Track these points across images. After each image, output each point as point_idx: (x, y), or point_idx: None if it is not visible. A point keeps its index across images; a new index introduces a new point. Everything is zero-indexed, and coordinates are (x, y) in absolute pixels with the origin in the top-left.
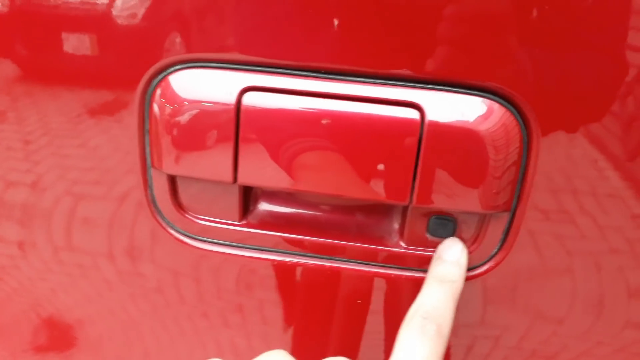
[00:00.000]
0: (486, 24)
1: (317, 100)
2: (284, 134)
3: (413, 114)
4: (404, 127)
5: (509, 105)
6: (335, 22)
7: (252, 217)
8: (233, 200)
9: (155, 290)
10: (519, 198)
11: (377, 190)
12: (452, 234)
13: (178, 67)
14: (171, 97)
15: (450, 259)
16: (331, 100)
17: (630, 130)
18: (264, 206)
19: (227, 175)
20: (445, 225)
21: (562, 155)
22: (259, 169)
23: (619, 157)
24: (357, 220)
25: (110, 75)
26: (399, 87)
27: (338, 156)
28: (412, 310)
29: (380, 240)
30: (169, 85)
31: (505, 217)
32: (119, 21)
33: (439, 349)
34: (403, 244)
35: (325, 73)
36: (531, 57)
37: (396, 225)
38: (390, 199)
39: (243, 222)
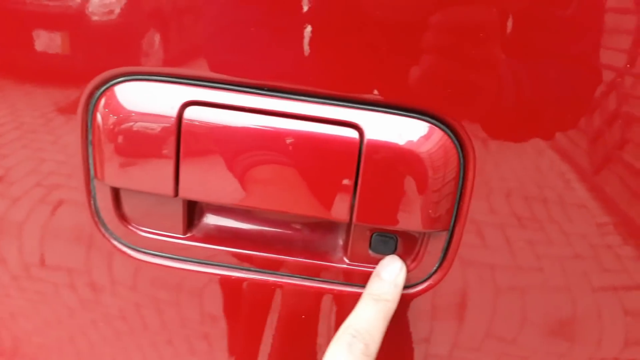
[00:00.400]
0: (423, 51)
1: (258, 117)
2: (225, 149)
3: (352, 134)
4: (343, 146)
5: (445, 128)
6: (278, 41)
7: (197, 230)
8: (177, 213)
9: (95, 302)
10: (456, 217)
11: (318, 207)
12: (394, 251)
13: (123, 78)
14: (114, 108)
15: (388, 278)
16: (272, 117)
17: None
18: (209, 219)
19: (169, 189)
20: (386, 242)
21: (498, 175)
22: (200, 184)
23: (558, 174)
24: (302, 235)
25: (56, 80)
26: (339, 107)
27: (279, 173)
28: (343, 326)
29: (324, 256)
30: (113, 96)
31: (444, 236)
32: (69, 27)
33: None
34: (346, 260)
35: (267, 90)
36: (467, 82)
37: (340, 242)
38: (331, 216)
39: (188, 235)
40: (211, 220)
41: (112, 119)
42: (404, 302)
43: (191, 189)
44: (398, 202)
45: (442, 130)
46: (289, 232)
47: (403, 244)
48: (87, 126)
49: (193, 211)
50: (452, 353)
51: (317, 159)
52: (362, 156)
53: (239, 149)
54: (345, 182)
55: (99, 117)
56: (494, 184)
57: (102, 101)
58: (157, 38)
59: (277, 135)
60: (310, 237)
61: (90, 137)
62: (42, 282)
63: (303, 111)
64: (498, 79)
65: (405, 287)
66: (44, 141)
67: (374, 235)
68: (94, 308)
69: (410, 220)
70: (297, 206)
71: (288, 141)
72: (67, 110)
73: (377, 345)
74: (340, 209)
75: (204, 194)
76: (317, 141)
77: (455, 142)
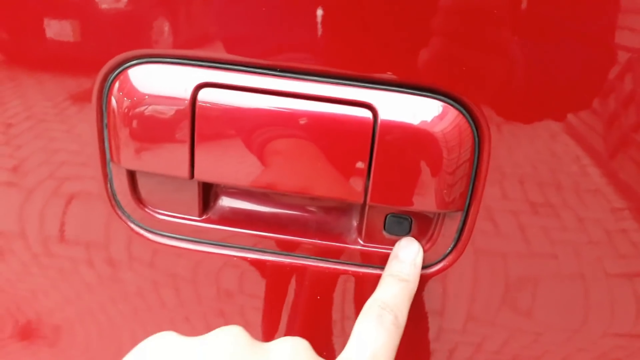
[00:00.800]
0: (437, 30)
1: (272, 98)
2: (239, 131)
3: (366, 114)
4: (357, 126)
5: (460, 107)
6: (291, 21)
7: (213, 212)
8: (193, 195)
9: (114, 280)
10: (471, 198)
11: (332, 188)
12: (408, 232)
13: (136, 61)
14: (129, 91)
15: (407, 259)
16: (286, 98)
17: (582, 130)
18: (224, 202)
19: (184, 171)
20: (401, 223)
21: (514, 156)
22: (216, 166)
23: (571, 157)
24: (317, 217)
25: (70, 66)
26: (353, 86)
27: (293, 154)
28: (369, 302)
29: (338, 238)
30: (127, 79)
31: (459, 216)
32: (81, 12)
33: (395, 338)
34: (361, 241)
35: (280, 71)
36: (480, 62)
37: (355, 223)
38: (345, 197)
39: (203, 217)
40: (226, 202)
41: (127, 102)
42: (420, 284)
43: (206, 171)
44: (412, 183)
45: (457, 109)
46: (304, 214)
47: (417, 225)
48: (102, 110)
49: (208, 194)
50: (465, 327)
51: (330, 140)
52: (376, 136)
53: (253, 131)
54: (359, 163)
55: (113, 100)
56: (508, 166)
57: (117, 85)
58: (168, 21)
59: (290, 116)
60: (324, 218)
61: (105, 121)
62: (62, 260)
63: (316, 92)
64: (512, 59)
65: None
66: (57, 130)
67: (388, 216)
68: (112, 286)
69: (424, 201)
70: (311, 188)
71: (301, 122)
72: (82, 95)
73: (405, 319)
74: (354, 190)
75: (219, 176)
76: (330, 122)
77: (470, 121)
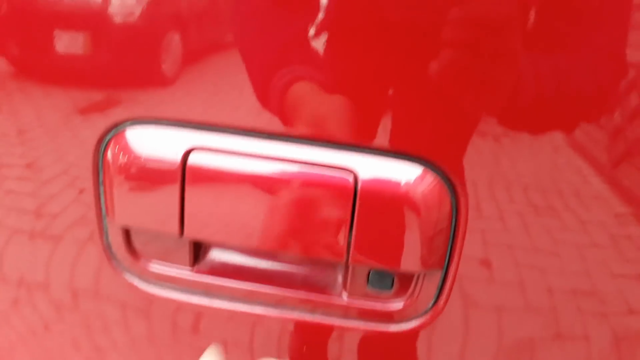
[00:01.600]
0: (415, 102)
1: (258, 161)
2: (228, 193)
3: (348, 177)
4: (339, 189)
5: (437, 172)
6: (278, 91)
7: (203, 264)
8: (184, 247)
9: (106, 331)
10: (450, 256)
11: (317, 248)
12: (390, 287)
13: (131, 123)
14: (124, 151)
15: None
16: (272, 162)
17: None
18: (214, 254)
19: (174, 229)
20: (383, 279)
21: (490, 216)
22: (204, 225)
23: (546, 213)
24: (303, 271)
25: (69, 124)
26: (335, 151)
27: (278, 215)
28: None
29: (324, 291)
30: (122, 139)
31: (439, 273)
32: (80, 80)
33: None
34: (345, 296)
35: (268, 136)
36: (457, 131)
37: (340, 278)
38: (328, 256)
39: (194, 268)
40: (216, 255)
41: (121, 161)
42: (402, 338)
43: (195, 230)
44: (392, 244)
45: (434, 173)
46: (291, 268)
47: (399, 281)
48: (98, 167)
49: (199, 246)
50: None
51: (314, 202)
52: (357, 199)
53: (241, 193)
54: (341, 223)
55: (109, 159)
56: (486, 224)
57: (112, 144)
58: (161, 89)
59: (276, 180)
60: (311, 273)
61: (101, 178)
62: (53, 308)
63: (301, 156)
64: (484, 132)
65: (403, 323)
66: (60, 181)
67: (371, 272)
68: (102, 334)
69: (403, 260)
70: (296, 247)
71: (286, 185)
72: (82, 151)
73: None
74: (337, 250)
75: (207, 235)
76: (314, 184)
77: (447, 184)
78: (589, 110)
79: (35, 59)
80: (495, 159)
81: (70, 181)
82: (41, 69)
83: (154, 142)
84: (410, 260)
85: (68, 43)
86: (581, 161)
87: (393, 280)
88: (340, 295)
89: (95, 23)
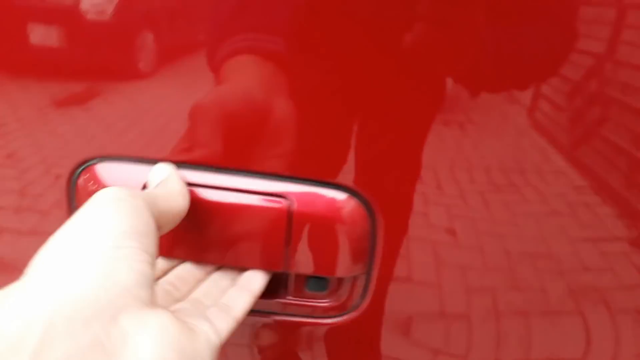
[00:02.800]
0: (343, 141)
1: (210, 191)
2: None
3: (283, 202)
4: (276, 212)
5: (358, 197)
6: (225, 134)
7: None
8: None
9: None
10: (372, 262)
11: (261, 261)
12: (326, 288)
13: (98, 160)
14: (93, 182)
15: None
16: (222, 191)
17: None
18: None
19: None
20: (319, 282)
21: (401, 234)
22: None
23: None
24: None
25: (43, 161)
26: (272, 181)
27: (225, 234)
28: None
29: (272, 295)
30: (92, 171)
31: (364, 276)
32: (50, 122)
33: None
34: (290, 297)
35: (217, 169)
36: (374, 163)
37: (285, 282)
38: (270, 268)
39: None
40: None
41: (90, 190)
42: (337, 329)
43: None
44: (323, 255)
45: (356, 199)
46: None
47: (333, 283)
48: (70, 197)
49: None
50: None
51: (256, 223)
52: (291, 220)
53: (196, 218)
54: (280, 241)
55: (80, 190)
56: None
57: (84, 176)
58: (124, 131)
59: (224, 205)
60: None
61: (73, 204)
62: None
63: (245, 185)
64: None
65: (338, 317)
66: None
67: (308, 277)
68: None
69: (333, 269)
70: (245, 261)
71: (232, 210)
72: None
73: None
74: (277, 263)
75: (165, 252)
76: (256, 209)
77: (366, 208)
78: (550, 95)
79: None
80: (458, 146)
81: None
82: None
83: (121, 175)
84: (339, 268)
85: None
86: (544, 142)
87: (327, 283)
88: (285, 296)
89: None
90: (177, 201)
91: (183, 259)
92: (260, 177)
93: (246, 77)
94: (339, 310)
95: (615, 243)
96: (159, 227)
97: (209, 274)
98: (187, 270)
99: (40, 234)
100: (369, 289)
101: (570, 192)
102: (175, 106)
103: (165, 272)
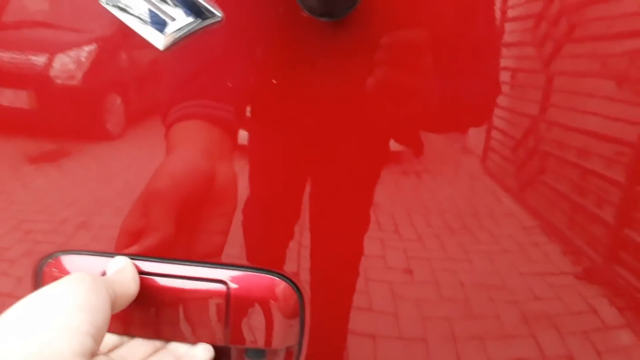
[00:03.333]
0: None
1: (156, 278)
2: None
3: (221, 287)
4: (216, 295)
5: (287, 280)
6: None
7: None
8: None
9: None
10: (302, 334)
11: (206, 336)
12: (264, 357)
13: (60, 253)
14: (58, 271)
15: None
16: (168, 278)
17: None
18: None
19: None
20: (257, 352)
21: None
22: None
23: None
24: None
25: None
26: (213, 268)
27: (173, 316)
28: None
29: None
30: (58, 263)
31: (296, 346)
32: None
33: None
34: None
35: (162, 260)
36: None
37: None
38: (213, 342)
39: None
40: None
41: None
42: None
43: None
44: (258, 330)
45: (285, 281)
46: None
47: (269, 352)
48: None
49: None
50: None
51: (199, 305)
52: (229, 301)
53: (148, 300)
54: (220, 318)
55: (45, 277)
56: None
57: (47, 267)
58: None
59: (168, 289)
60: None
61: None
62: None
63: (188, 273)
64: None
65: None
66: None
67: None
68: None
69: (267, 341)
70: (191, 337)
71: (176, 294)
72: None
73: None
74: (218, 338)
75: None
76: (198, 293)
77: (295, 288)
78: (498, 148)
79: None
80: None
81: None
82: None
83: (79, 266)
84: (272, 341)
85: None
86: (495, 186)
87: (265, 352)
88: None
89: None
90: (130, 286)
91: (135, 335)
92: (203, 265)
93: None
94: None
95: (561, 277)
96: (112, 307)
97: (157, 350)
98: (137, 345)
99: None
100: (302, 353)
101: (519, 233)
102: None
103: (117, 347)
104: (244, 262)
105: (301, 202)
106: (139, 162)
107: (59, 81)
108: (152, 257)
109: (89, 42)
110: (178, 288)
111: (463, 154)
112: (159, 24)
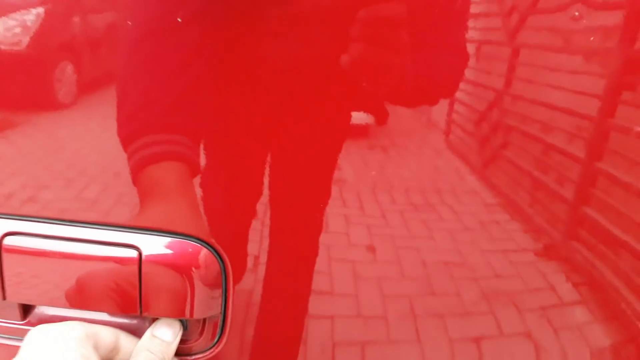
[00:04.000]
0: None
1: (62, 242)
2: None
3: (134, 253)
4: (129, 262)
5: (207, 246)
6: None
7: (32, 316)
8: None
9: None
10: (225, 303)
11: (119, 307)
12: (186, 329)
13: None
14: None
15: (162, 338)
16: (75, 243)
17: None
18: (42, 308)
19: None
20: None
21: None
22: (23, 292)
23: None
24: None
25: None
26: (124, 232)
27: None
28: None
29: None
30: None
31: (219, 317)
32: None
33: None
34: None
35: (70, 222)
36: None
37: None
38: (126, 312)
39: (25, 321)
40: (43, 309)
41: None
42: None
43: (16, 296)
44: (178, 300)
45: (206, 247)
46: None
47: (191, 324)
48: None
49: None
50: None
51: (113, 272)
52: (141, 268)
53: (51, 267)
54: (134, 288)
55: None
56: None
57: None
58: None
59: (80, 256)
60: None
61: None
62: None
63: (98, 237)
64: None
65: (196, 354)
66: None
67: None
68: None
69: (189, 311)
70: (109, 307)
71: (86, 261)
72: None
73: None
74: (133, 307)
75: (28, 299)
76: (108, 259)
77: (216, 255)
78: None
79: None
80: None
81: None
82: None
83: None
84: (194, 311)
85: None
86: (458, 162)
87: (186, 324)
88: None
89: None
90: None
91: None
92: (117, 230)
93: None
94: (200, 348)
95: (522, 253)
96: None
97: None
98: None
99: None
100: (224, 329)
101: (481, 210)
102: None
103: None
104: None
105: (262, 177)
106: (91, 133)
107: (3, 47)
108: (66, 221)
109: (36, 4)
110: (85, 255)
111: (428, 128)
112: None
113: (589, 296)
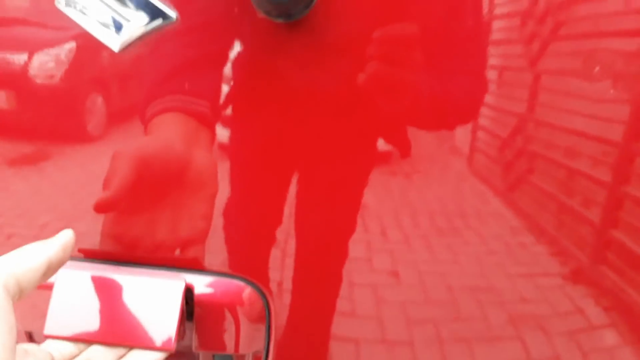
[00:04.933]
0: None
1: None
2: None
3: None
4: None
5: (253, 285)
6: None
7: None
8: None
9: None
10: (269, 340)
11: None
12: None
13: None
14: None
15: None
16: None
17: None
18: None
19: None
20: (224, 357)
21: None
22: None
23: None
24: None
25: None
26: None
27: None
28: None
29: None
30: None
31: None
32: None
33: None
34: None
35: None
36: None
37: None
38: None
39: None
40: None
41: None
42: None
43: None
44: (225, 336)
45: (251, 286)
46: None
47: (237, 357)
48: None
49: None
50: None
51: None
52: (194, 306)
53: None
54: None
55: None
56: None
57: None
58: None
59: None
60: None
61: None
62: None
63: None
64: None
65: None
66: None
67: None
68: None
69: (235, 347)
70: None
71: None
72: None
73: None
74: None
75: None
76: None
77: (261, 294)
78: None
79: None
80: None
81: None
82: None
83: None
84: (239, 347)
85: None
86: (483, 186)
87: (232, 357)
88: None
89: None
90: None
91: (93, 342)
92: (165, 269)
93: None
94: None
95: (548, 277)
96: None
97: (120, 357)
98: (97, 353)
99: None
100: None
101: (507, 233)
102: None
103: (74, 356)
104: (213, 267)
105: (284, 206)
106: None
107: (38, 80)
108: (117, 261)
109: (69, 40)
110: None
111: (450, 154)
112: (115, 26)
113: (618, 320)
